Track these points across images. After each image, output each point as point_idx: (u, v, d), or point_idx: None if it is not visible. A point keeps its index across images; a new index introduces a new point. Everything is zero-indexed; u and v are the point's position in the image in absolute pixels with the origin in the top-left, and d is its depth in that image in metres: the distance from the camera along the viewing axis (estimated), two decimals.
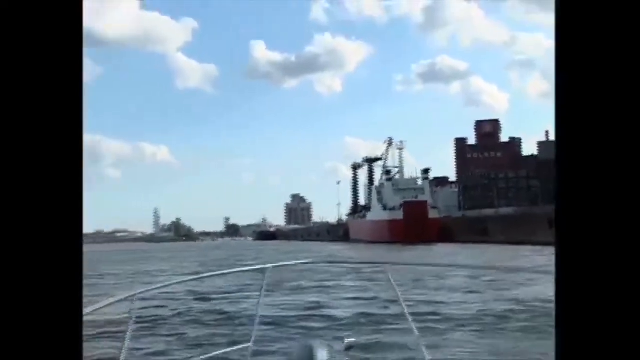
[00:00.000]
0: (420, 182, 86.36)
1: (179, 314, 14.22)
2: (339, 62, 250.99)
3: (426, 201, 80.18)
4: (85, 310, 2.58)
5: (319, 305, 15.04)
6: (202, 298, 16.62)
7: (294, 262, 4.38)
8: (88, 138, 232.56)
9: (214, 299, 16.57)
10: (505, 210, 76.32)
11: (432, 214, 78.59)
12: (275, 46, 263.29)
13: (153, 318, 13.14)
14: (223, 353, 3.80)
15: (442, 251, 51.05)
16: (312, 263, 4.92)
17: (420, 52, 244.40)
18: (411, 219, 74.02)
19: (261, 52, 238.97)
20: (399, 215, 77.95)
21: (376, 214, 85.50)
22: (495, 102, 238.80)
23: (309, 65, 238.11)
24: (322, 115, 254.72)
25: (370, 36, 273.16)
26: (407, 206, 78.06)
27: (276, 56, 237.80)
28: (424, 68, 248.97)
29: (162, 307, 14.78)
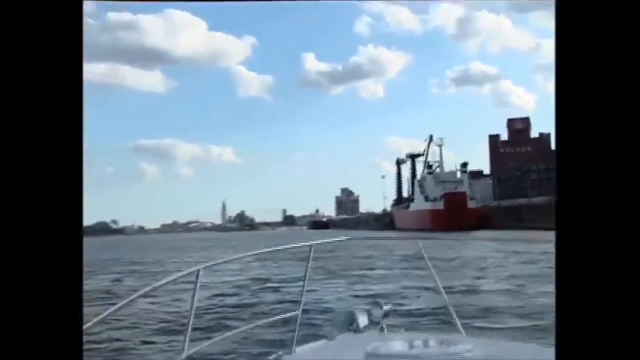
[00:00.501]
0: (459, 174, 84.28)
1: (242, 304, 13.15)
2: (381, 70, 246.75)
3: (465, 192, 78.10)
4: (153, 285, 2.70)
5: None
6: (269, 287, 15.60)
7: (334, 239, 4.23)
8: (165, 142, 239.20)
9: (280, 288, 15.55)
10: (537, 200, 73.29)
11: (471, 204, 76.55)
12: (324, 57, 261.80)
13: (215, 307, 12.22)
14: (275, 320, 3.79)
15: (481, 236, 49.44)
16: (351, 239, 5.11)
17: (453, 59, 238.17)
18: (451, 209, 72.22)
19: (312, 63, 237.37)
20: (440, 205, 76.23)
21: (419, 204, 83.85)
22: (523, 103, 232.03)
23: (354, 73, 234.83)
24: (366, 118, 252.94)
25: (409, 46, 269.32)
26: (447, 197, 76.16)
27: (325, 66, 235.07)
28: (457, 73, 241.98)
29: (225, 295, 13.83)
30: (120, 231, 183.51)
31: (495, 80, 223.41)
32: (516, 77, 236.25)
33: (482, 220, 68.16)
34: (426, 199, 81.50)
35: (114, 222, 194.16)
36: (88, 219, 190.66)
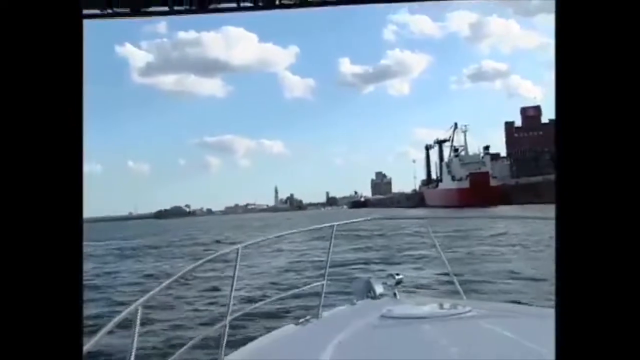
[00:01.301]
0: (482, 156, 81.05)
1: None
2: (406, 70, 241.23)
3: (488, 171, 75.28)
4: (196, 263, 2.80)
5: None
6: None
7: (355, 220, 4.05)
8: (225, 138, 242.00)
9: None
10: (552, 177, 69.85)
11: (493, 182, 73.53)
12: (357, 61, 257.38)
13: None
14: (301, 290, 3.84)
15: (504, 209, 47.30)
16: (371, 220, 5.22)
17: (469, 58, 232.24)
18: (476, 187, 69.52)
19: (347, 67, 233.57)
20: (465, 184, 73.46)
21: (446, 184, 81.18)
22: (531, 94, 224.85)
23: (383, 74, 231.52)
24: (394, 112, 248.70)
25: (430, 49, 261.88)
26: (472, 176, 73.35)
27: (358, 69, 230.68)
28: (472, 70, 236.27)
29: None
30: (193, 213, 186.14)
31: (506, 75, 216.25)
32: (524, 72, 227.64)
33: (503, 196, 65.60)
34: (453, 178, 78.61)
35: (187, 206, 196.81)
36: (166, 204, 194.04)
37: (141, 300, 1.97)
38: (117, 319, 1.86)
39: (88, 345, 1.60)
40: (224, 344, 2.39)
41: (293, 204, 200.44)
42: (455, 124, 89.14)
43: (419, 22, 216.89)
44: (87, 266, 17.98)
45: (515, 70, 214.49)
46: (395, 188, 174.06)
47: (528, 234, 19.66)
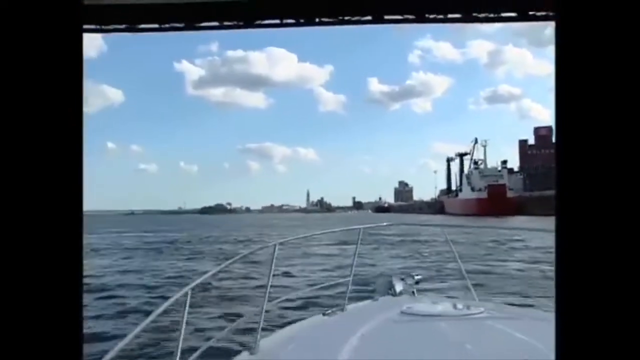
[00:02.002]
0: (500, 169, 79.00)
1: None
2: (429, 91, 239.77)
3: (505, 184, 72.97)
4: (229, 262, 2.71)
5: None
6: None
7: (378, 224, 4.01)
8: (265, 145, 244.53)
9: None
10: None
11: (509, 194, 71.29)
12: (385, 81, 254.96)
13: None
14: (328, 286, 3.73)
15: (520, 219, 45.63)
16: (391, 225, 4.51)
17: (486, 82, 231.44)
18: (494, 197, 67.52)
19: (375, 86, 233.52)
20: (484, 194, 71.26)
21: (466, 194, 78.87)
22: (541, 116, 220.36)
23: (408, 93, 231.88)
24: (418, 128, 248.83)
25: (451, 72, 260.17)
26: (490, 188, 71.23)
27: (385, 88, 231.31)
28: (489, 93, 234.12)
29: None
30: (234, 211, 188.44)
31: (519, 98, 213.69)
32: (535, 96, 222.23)
33: (518, 207, 63.54)
34: (472, 189, 76.42)
35: (229, 204, 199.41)
36: (210, 202, 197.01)
37: (192, 285, 1.94)
38: (167, 302, 1.81)
39: (143, 324, 1.58)
40: (260, 329, 2.40)
41: (323, 207, 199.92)
42: (476, 139, 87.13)
43: (441, 47, 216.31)
44: (113, 261, 16.69)
45: (528, 94, 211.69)
46: (416, 196, 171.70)
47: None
